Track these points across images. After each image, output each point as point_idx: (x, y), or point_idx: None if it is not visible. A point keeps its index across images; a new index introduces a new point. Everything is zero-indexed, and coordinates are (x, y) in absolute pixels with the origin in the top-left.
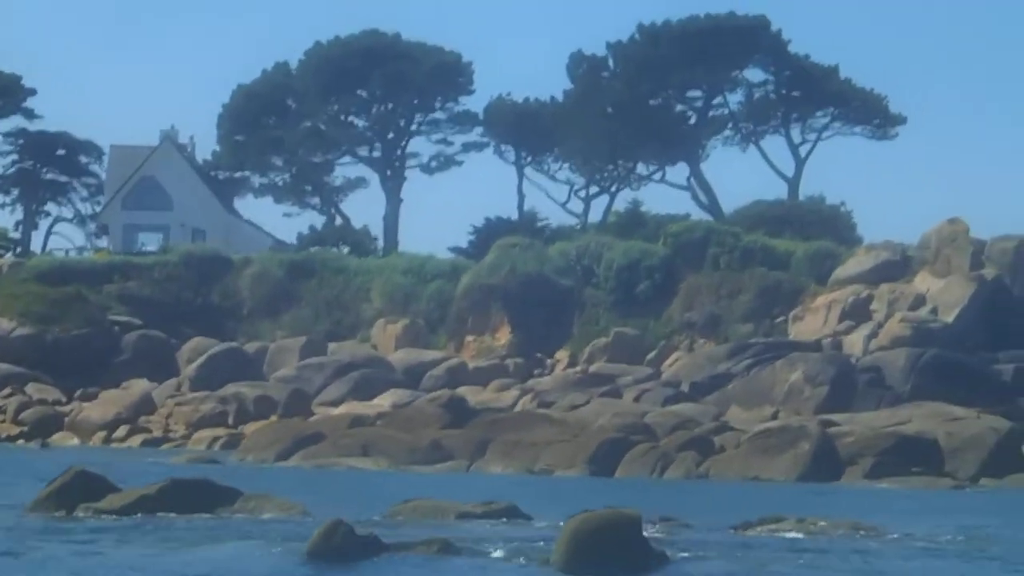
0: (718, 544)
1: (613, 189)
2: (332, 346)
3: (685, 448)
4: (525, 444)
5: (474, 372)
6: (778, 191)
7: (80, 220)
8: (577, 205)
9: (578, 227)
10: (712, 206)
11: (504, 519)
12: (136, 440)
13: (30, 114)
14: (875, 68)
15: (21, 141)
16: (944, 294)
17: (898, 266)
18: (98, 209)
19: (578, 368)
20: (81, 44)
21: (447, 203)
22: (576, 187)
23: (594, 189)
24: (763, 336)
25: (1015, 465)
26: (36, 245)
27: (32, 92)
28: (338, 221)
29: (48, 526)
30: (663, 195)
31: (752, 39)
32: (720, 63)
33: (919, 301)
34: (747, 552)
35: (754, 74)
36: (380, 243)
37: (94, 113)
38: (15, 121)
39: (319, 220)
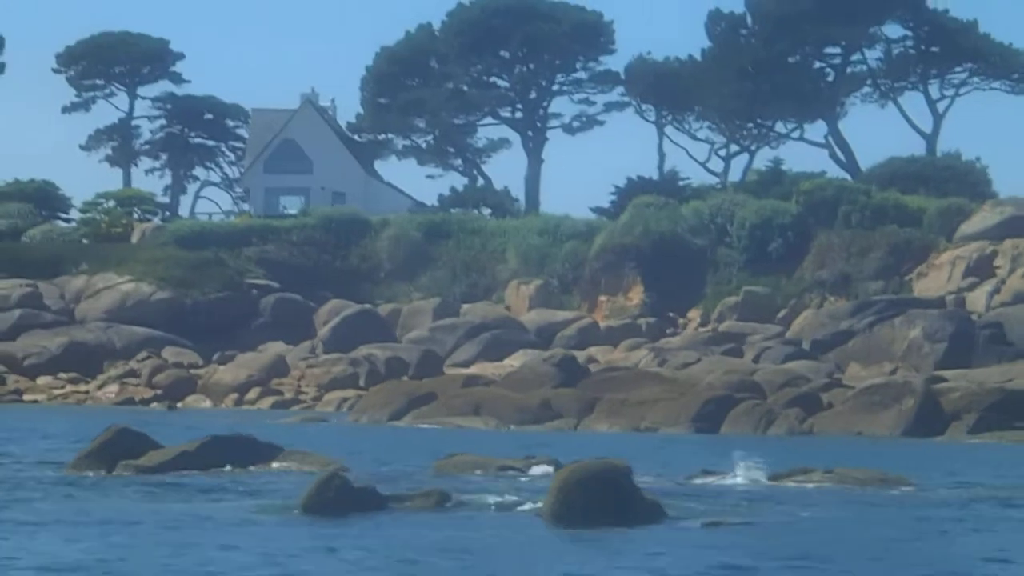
0: (720, 494)
1: (752, 148)
2: (464, 307)
3: (792, 405)
4: (632, 402)
5: (605, 332)
6: (916, 147)
7: (227, 184)
8: (717, 164)
9: (719, 186)
10: (850, 163)
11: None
12: (267, 402)
13: (178, 79)
14: (1014, 23)
15: (169, 106)
16: None
17: (1022, 222)
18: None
19: (708, 327)
20: (225, 8)
21: (589, 163)
22: (716, 146)
23: (734, 148)
24: (892, 293)
25: None
26: (184, 209)
27: (180, 56)
28: (480, 182)
29: (77, 480)
30: (802, 153)
31: None
32: (858, 19)
33: None
34: (742, 502)
35: (893, 30)
36: (521, 204)
37: (239, 77)
38: (163, 86)
39: (461, 182)
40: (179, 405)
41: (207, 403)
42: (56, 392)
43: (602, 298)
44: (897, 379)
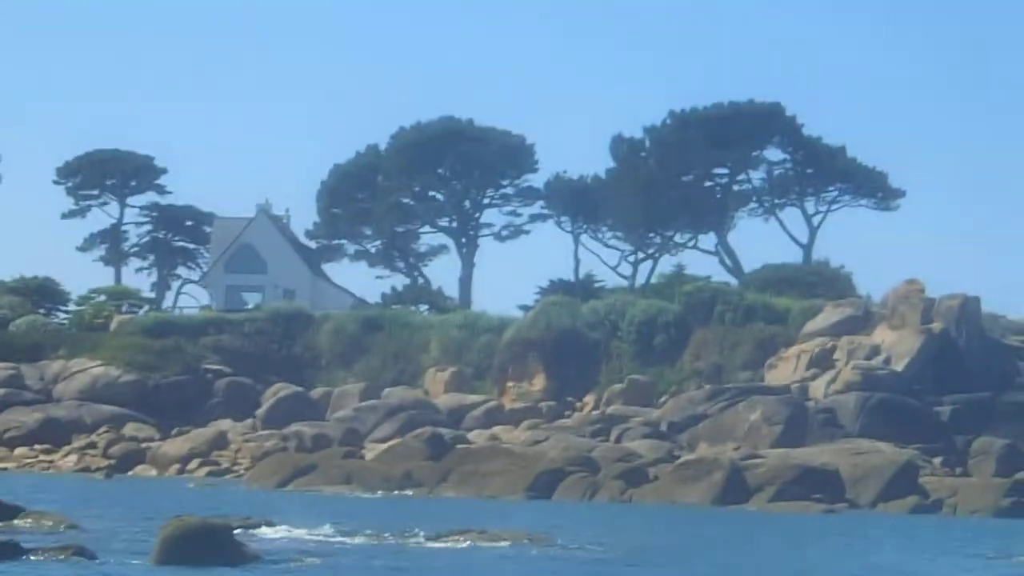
0: (336, 552)
1: (656, 255)
2: (385, 391)
3: (619, 477)
4: (480, 474)
5: (509, 413)
6: (795, 256)
7: (205, 281)
8: (627, 268)
9: (628, 288)
10: (736, 269)
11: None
12: (203, 471)
13: (162, 190)
14: (878, 147)
15: (155, 214)
16: (897, 345)
17: (860, 320)
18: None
19: (599, 411)
20: (202, 129)
21: (517, 266)
22: (625, 253)
23: (641, 255)
24: (759, 382)
25: (912, 491)
26: (168, 303)
27: (164, 171)
28: (420, 282)
29: None
30: (697, 260)
31: (769, 123)
32: (742, 144)
33: (874, 351)
34: (344, 558)
35: (774, 153)
36: (456, 301)
37: (213, 188)
38: (149, 196)
39: (404, 282)
40: (129, 474)
41: (153, 472)
42: (26, 461)
43: (510, 384)
44: (708, 456)
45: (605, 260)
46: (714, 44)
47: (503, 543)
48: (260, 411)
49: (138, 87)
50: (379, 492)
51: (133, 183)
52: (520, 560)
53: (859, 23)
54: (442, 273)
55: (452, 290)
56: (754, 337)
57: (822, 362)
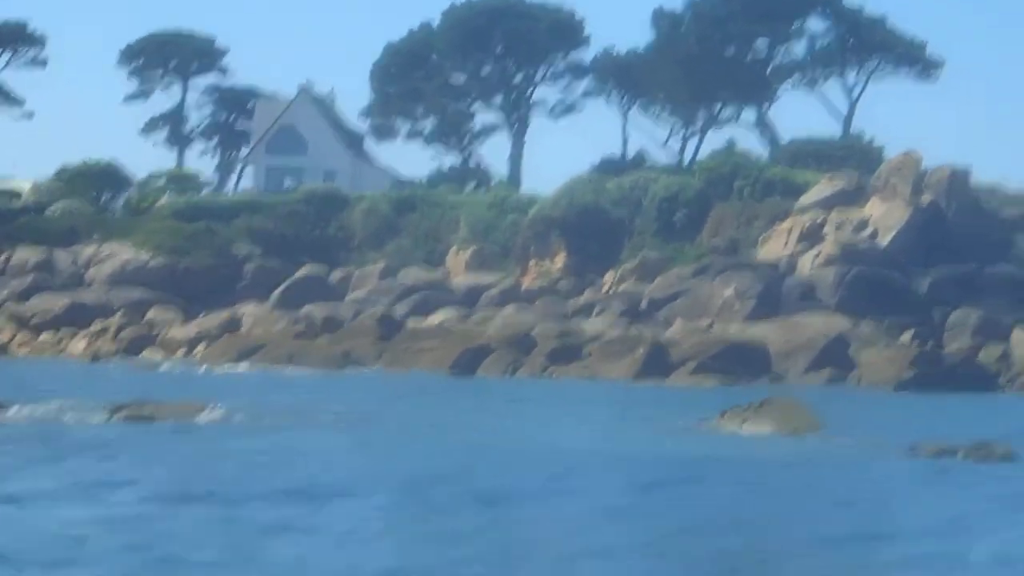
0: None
1: (703, 129)
2: (401, 272)
3: (548, 355)
4: (412, 351)
5: (525, 293)
6: (834, 129)
7: (247, 162)
8: (678, 144)
9: (679, 164)
10: (774, 143)
11: None
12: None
13: (224, 71)
14: (917, 18)
15: (216, 95)
16: (885, 218)
17: (853, 194)
18: None
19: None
20: (261, 10)
21: (570, 144)
22: (675, 128)
23: (691, 130)
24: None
25: (843, 365)
26: (230, 186)
27: (225, 52)
28: (472, 162)
29: None
30: (740, 135)
31: None
32: (783, 16)
33: (863, 224)
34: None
35: (815, 24)
36: (501, 181)
37: (271, 69)
38: (211, 78)
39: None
40: (137, 357)
41: (159, 356)
42: (36, 346)
43: (532, 263)
44: (631, 332)
45: (655, 136)
46: None
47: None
48: (275, 293)
49: None
50: (309, 370)
51: (195, 65)
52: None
53: None
54: (497, 152)
55: (504, 169)
56: (771, 211)
57: (812, 236)
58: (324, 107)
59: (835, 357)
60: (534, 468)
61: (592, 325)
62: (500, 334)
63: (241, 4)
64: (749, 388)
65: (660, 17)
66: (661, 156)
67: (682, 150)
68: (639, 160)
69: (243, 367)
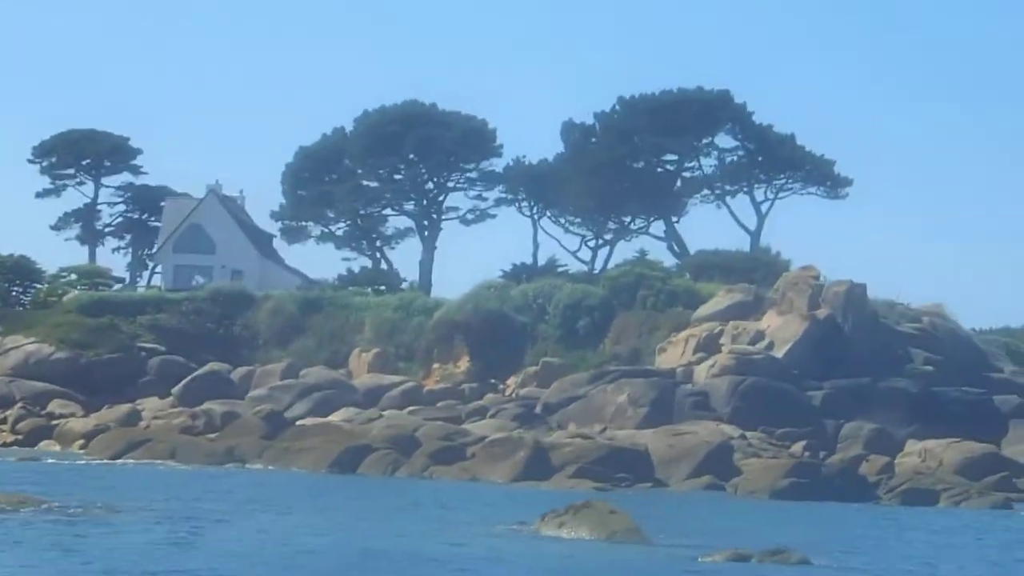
0: None
1: (612, 240)
2: (303, 371)
3: (432, 455)
4: (294, 450)
5: (427, 395)
6: (743, 243)
7: (155, 260)
8: (587, 253)
9: (589, 272)
10: (683, 255)
11: None
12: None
13: (136, 170)
14: (827, 136)
15: (129, 194)
16: (781, 330)
17: (751, 306)
18: None
19: (515, 393)
20: (177, 110)
21: (482, 251)
22: (586, 238)
23: (600, 240)
24: (649, 366)
25: (726, 473)
26: (143, 283)
27: (139, 151)
28: (383, 266)
29: None
30: (650, 246)
31: (718, 110)
32: (691, 131)
33: (759, 336)
34: None
35: (725, 140)
36: (414, 284)
37: (187, 169)
38: (124, 177)
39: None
40: (34, 449)
41: (56, 448)
42: None
43: (435, 365)
44: (513, 435)
45: (565, 245)
46: (666, 31)
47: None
48: (176, 388)
49: (112, 69)
50: (192, 466)
51: (108, 163)
52: None
53: (807, 14)
54: (408, 256)
55: (415, 273)
56: (672, 321)
57: (709, 346)
58: (232, 207)
59: (717, 465)
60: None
61: (480, 427)
62: (383, 434)
63: (156, 105)
64: (623, 493)
65: (570, 128)
66: (573, 264)
67: (593, 259)
68: (550, 267)
69: (123, 460)
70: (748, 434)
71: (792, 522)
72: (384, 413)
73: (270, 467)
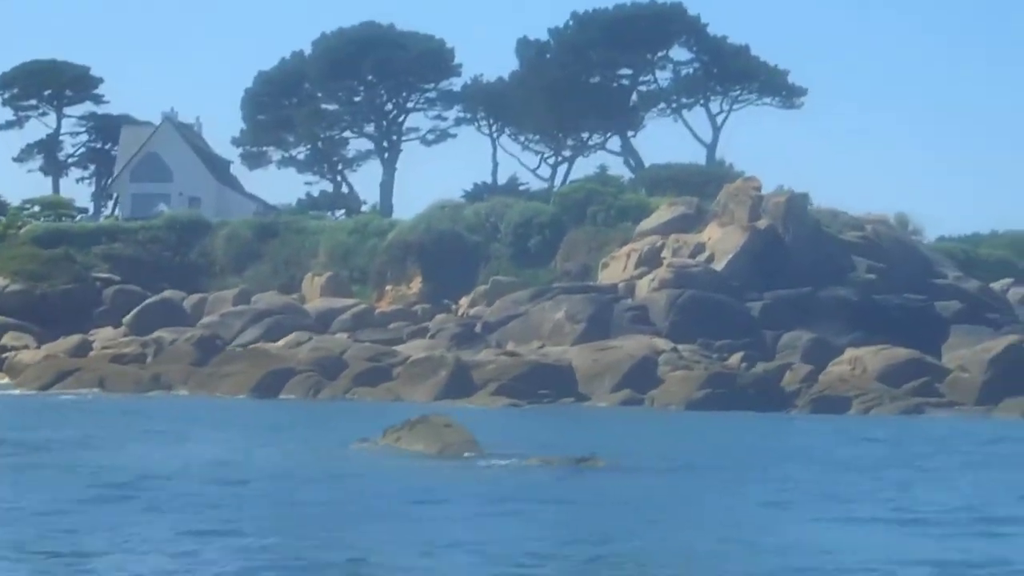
0: None
1: (571, 157)
2: (255, 296)
3: (360, 378)
4: (218, 375)
5: (379, 317)
6: (700, 156)
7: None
8: (547, 171)
9: (548, 190)
10: (639, 169)
11: None
12: None
13: (99, 100)
14: (781, 46)
15: (91, 124)
16: (722, 242)
17: (692, 219)
18: None
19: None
20: (139, 38)
21: (443, 171)
22: (545, 155)
23: (560, 157)
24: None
25: (650, 387)
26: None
27: (100, 81)
28: (344, 189)
29: None
30: (608, 161)
31: (672, 23)
32: (645, 45)
33: (700, 249)
34: None
35: (680, 53)
36: (376, 207)
37: (149, 98)
38: (86, 107)
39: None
40: None
41: (5, 379)
42: None
43: (388, 287)
44: (435, 355)
45: (525, 163)
46: None
47: None
48: (127, 318)
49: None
50: (119, 394)
51: (69, 93)
52: None
53: None
54: (370, 179)
55: (376, 196)
56: (622, 237)
57: (651, 260)
58: (189, 134)
59: (641, 379)
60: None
61: (411, 348)
62: (309, 357)
63: (116, 34)
64: (541, 408)
65: (524, 46)
66: (534, 182)
67: (552, 176)
68: (511, 186)
69: (56, 390)
70: (680, 347)
71: (668, 432)
72: (337, 336)
73: (195, 394)
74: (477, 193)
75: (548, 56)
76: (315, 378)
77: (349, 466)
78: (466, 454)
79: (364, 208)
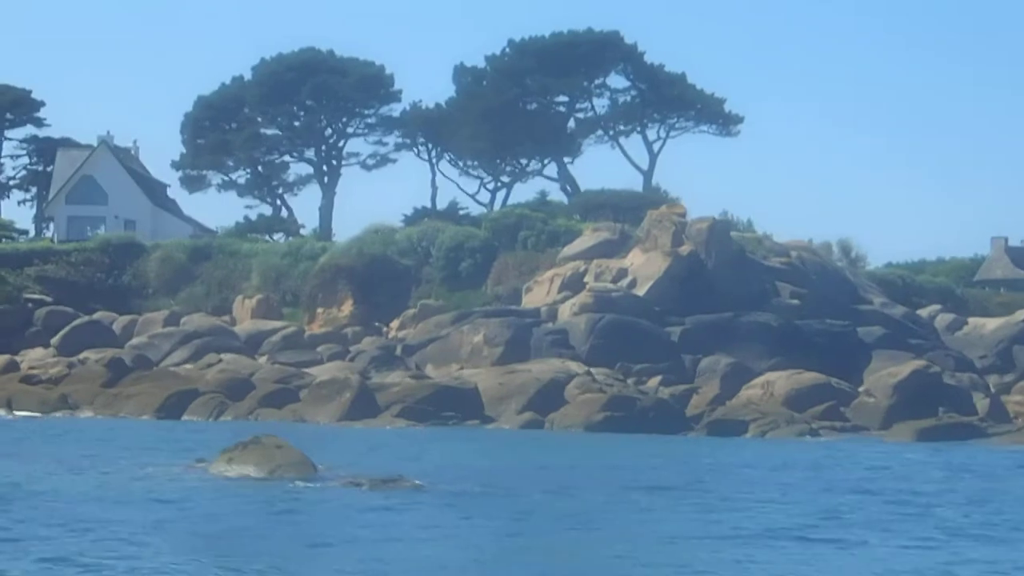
0: None
1: (510, 182)
2: (184, 318)
3: (263, 399)
4: (124, 396)
5: (308, 339)
6: (638, 183)
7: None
8: (486, 196)
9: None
10: (576, 195)
11: None
12: None
13: (40, 123)
14: (717, 75)
15: (32, 147)
16: (645, 268)
17: (616, 244)
18: None
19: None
20: (81, 61)
21: (383, 196)
22: (485, 180)
23: (499, 183)
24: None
25: (553, 409)
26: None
27: (41, 104)
28: (284, 213)
29: None
30: (546, 187)
31: (608, 51)
32: (581, 72)
33: (622, 274)
34: None
35: (617, 81)
36: (315, 231)
37: (90, 121)
38: (28, 129)
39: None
40: None
41: None
42: None
43: (319, 310)
44: (339, 376)
45: (464, 188)
46: None
47: None
48: (55, 339)
49: (11, 19)
50: (24, 413)
51: (10, 116)
52: None
53: None
54: (312, 203)
55: (316, 220)
56: (550, 262)
57: (574, 285)
58: (125, 157)
59: (548, 402)
60: None
61: (321, 370)
62: (216, 378)
63: (57, 58)
64: (439, 431)
65: (461, 72)
66: (473, 207)
67: (492, 201)
68: (451, 211)
69: None
70: (594, 370)
71: (528, 455)
72: (256, 358)
73: (99, 414)
74: (416, 218)
75: (485, 83)
76: (219, 399)
77: (136, 488)
78: (293, 476)
79: (303, 232)
